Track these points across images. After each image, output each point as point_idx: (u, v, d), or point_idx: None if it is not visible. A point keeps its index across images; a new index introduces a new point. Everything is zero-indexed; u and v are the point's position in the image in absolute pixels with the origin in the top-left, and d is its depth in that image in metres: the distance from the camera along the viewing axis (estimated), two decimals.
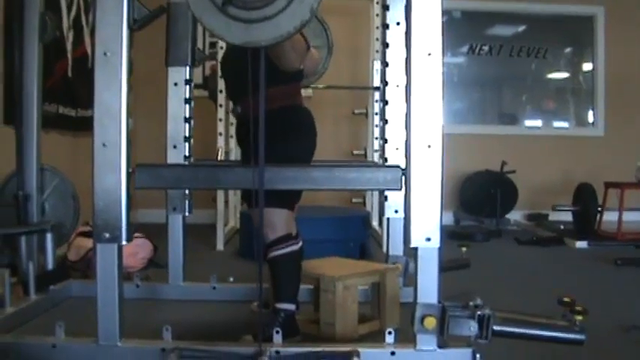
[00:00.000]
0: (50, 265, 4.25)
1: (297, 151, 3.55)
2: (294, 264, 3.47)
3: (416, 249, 2.86)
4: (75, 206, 4.64)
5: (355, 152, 7.57)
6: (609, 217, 7.36)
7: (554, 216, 8.36)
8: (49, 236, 4.20)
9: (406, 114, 2.86)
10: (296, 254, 3.45)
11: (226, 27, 2.60)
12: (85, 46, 6.47)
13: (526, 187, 8.84)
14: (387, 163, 4.20)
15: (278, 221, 3.42)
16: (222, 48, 6.26)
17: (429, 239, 2.83)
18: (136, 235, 5.23)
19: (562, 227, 7.90)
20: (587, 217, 7.38)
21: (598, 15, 9.49)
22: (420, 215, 2.82)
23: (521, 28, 9.72)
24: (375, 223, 7.32)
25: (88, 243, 4.96)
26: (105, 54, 2.83)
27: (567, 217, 7.85)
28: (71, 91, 6.17)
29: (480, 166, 8.82)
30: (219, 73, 3.99)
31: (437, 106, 2.80)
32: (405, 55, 2.93)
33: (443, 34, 2.81)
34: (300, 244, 3.60)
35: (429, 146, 2.80)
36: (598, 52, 9.56)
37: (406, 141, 2.85)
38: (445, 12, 2.87)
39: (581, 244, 7.05)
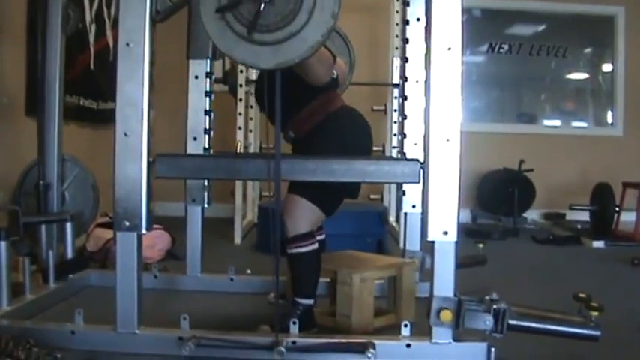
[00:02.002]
0: (69, 255, 4.28)
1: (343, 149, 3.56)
2: (314, 262, 3.46)
3: (433, 242, 2.88)
4: (95, 197, 4.67)
5: (374, 149, 7.58)
6: (627, 217, 7.34)
7: (571, 215, 8.34)
8: (68, 226, 4.24)
9: (425, 108, 2.88)
10: (315, 253, 3.44)
11: (256, 54, 2.67)
12: (107, 39, 6.51)
13: (543, 186, 8.81)
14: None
15: (304, 216, 3.42)
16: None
17: (446, 233, 2.85)
18: (155, 226, 5.26)
19: (579, 227, 7.88)
20: (604, 217, 7.36)
21: (618, 15, 9.45)
22: (437, 209, 2.84)
23: (541, 28, 9.69)
24: (392, 219, 7.33)
25: (107, 234, 4.99)
26: (128, 45, 2.86)
27: (584, 216, 7.83)
28: (92, 84, 6.21)
29: (498, 164, 8.80)
30: (255, 105, 4.00)
31: (456, 100, 2.82)
32: (424, 51, 2.95)
33: (462, 29, 2.83)
34: (323, 236, 3.62)
35: (448, 140, 2.82)
36: (618, 53, 9.52)
37: (425, 135, 2.87)
38: (465, 10, 2.89)
39: (598, 244, 7.04)
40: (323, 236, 3.78)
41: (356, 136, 3.68)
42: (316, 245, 3.45)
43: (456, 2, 2.82)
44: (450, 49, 2.82)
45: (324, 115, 3.55)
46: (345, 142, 3.58)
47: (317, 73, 3.39)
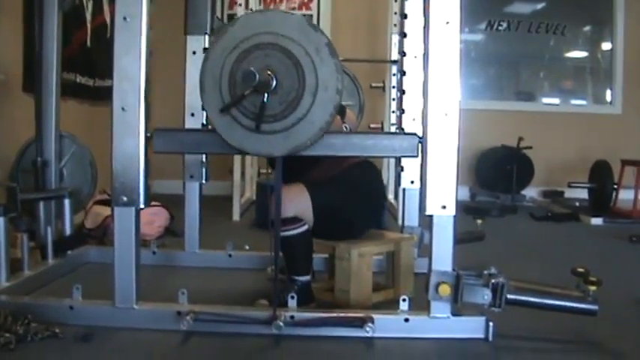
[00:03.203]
0: (68, 231, 4.28)
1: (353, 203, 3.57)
2: (304, 243, 3.44)
3: (431, 217, 2.88)
4: (92, 173, 4.67)
5: (372, 125, 7.55)
6: (625, 194, 7.34)
7: (569, 193, 8.35)
8: (66, 202, 4.23)
9: (423, 83, 2.87)
10: (305, 233, 3.42)
11: (268, 144, 2.75)
12: (104, 16, 6.48)
13: (542, 164, 8.82)
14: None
15: (295, 202, 3.39)
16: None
17: (444, 207, 2.86)
18: (153, 203, 5.26)
19: (577, 204, 7.89)
20: (602, 194, 7.37)
21: None
22: (436, 183, 2.84)
23: (540, 5, 9.66)
24: (390, 197, 7.33)
25: (105, 211, 4.99)
26: (125, 19, 2.85)
27: (583, 194, 7.85)
28: (89, 61, 6.19)
29: (497, 141, 8.80)
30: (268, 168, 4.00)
31: (454, 74, 2.82)
32: (423, 26, 2.94)
33: (461, 3, 2.82)
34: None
35: (446, 114, 2.82)
36: (617, 31, 9.49)
37: (423, 109, 2.87)
38: None
39: (596, 221, 7.04)
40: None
41: (367, 190, 3.66)
42: (304, 227, 3.42)
43: None
44: (448, 22, 2.82)
45: (337, 171, 3.54)
46: (357, 197, 3.57)
47: None
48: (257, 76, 2.59)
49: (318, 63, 2.69)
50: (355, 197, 3.54)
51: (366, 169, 3.69)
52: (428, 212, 2.87)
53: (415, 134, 2.95)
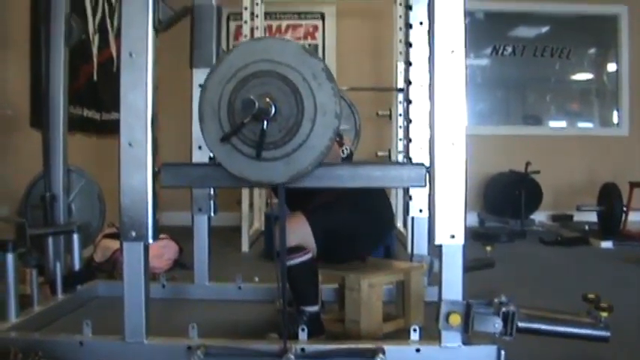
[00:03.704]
0: (77, 266, 4.27)
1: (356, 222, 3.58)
2: (308, 272, 3.44)
3: (440, 246, 2.87)
4: (101, 207, 4.67)
5: (379, 154, 7.55)
6: (634, 217, 7.33)
7: (578, 216, 8.33)
8: (75, 237, 4.23)
9: (430, 112, 2.87)
10: (308, 262, 3.42)
11: (269, 171, 2.75)
12: (110, 50, 6.52)
13: (550, 188, 8.80)
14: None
15: (297, 232, 3.40)
16: None
17: (453, 236, 2.84)
18: (162, 236, 5.26)
19: (587, 227, 7.87)
20: (612, 217, 7.35)
21: (622, 15, 9.45)
22: (444, 212, 2.83)
23: (545, 29, 9.69)
24: (399, 224, 7.32)
25: (114, 244, 5.00)
26: (130, 55, 2.86)
27: (592, 217, 7.83)
28: (96, 95, 6.22)
29: (504, 166, 8.79)
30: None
31: (460, 103, 2.81)
32: (428, 54, 2.94)
33: (466, 32, 2.82)
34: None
35: (453, 144, 2.81)
36: (622, 52, 9.51)
37: (430, 139, 2.86)
38: (468, 13, 2.89)
39: (606, 244, 7.02)
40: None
41: (369, 207, 3.66)
42: (308, 256, 3.42)
43: (459, 5, 2.81)
44: (453, 51, 2.81)
45: (341, 190, 3.55)
46: (358, 215, 3.58)
47: None
48: (256, 103, 2.59)
49: (315, 88, 2.69)
50: (356, 216, 3.56)
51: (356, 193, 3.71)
52: (437, 242, 2.86)
53: (422, 164, 2.94)
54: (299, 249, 3.38)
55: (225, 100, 2.74)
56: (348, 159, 3.71)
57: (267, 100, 2.66)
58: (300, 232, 3.41)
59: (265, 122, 2.65)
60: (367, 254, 3.76)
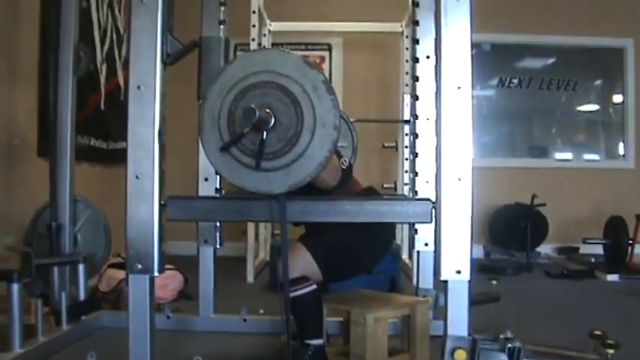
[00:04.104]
0: (82, 296, 4.28)
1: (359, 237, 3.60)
2: (313, 303, 3.44)
3: (446, 282, 2.86)
4: (106, 237, 4.68)
5: (385, 185, 7.55)
6: None
7: (584, 249, 8.31)
8: (81, 267, 4.24)
9: (436, 147, 2.87)
10: (313, 294, 3.42)
11: (268, 181, 2.76)
12: (118, 79, 6.55)
13: (556, 220, 8.78)
14: (417, 196, 4.22)
15: (299, 262, 3.41)
16: None
17: (459, 272, 2.83)
18: (167, 267, 5.25)
19: (593, 260, 7.85)
20: (618, 250, 7.33)
21: (628, 47, 9.47)
22: (450, 248, 2.82)
23: (551, 61, 9.71)
24: (405, 257, 7.30)
25: (119, 274, 5.00)
26: (138, 87, 2.86)
27: (598, 250, 7.81)
28: (103, 124, 6.24)
29: (510, 199, 8.78)
30: None
31: (467, 139, 2.81)
32: (434, 89, 2.95)
33: (472, 68, 2.83)
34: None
35: (459, 179, 2.80)
36: (628, 84, 9.52)
37: (436, 174, 2.87)
38: (475, 45, 2.90)
39: (612, 278, 7.00)
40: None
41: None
42: (313, 287, 3.42)
43: (466, 41, 2.82)
44: (460, 88, 2.82)
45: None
46: (357, 231, 3.58)
47: (325, 180, 3.41)
48: (257, 112, 2.59)
49: (315, 100, 2.70)
50: (353, 231, 3.54)
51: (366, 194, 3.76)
52: (442, 277, 2.85)
53: (429, 199, 2.95)
54: (302, 280, 3.39)
55: (225, 110, 2.74)
56: (348, 171, 3.71)
57: (267, 110, 2.66)
58: (301, 261, 3.42)
59: (265, 132, 2.65)
60: (373, 266, 3.75)
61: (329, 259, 3.50)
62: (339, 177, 3.54)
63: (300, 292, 3.37)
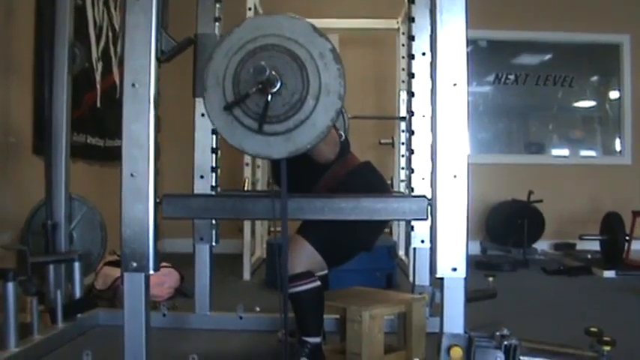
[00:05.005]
0: (78, 294, 4.27)
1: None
2: (315, 300, 3.44)
3: (442, 279, 2.86)
4: (102, 235, 4.68)
5: None
6: (637, 246, 7.32)
7: (581, 245, 8.31)
8: (76, 265, 4.23)
9: (432, 144, 2.87)
10: (316, 290, 3.42)
11: (268, 146, 2.72)
12: (114, 77, 6.54)
13: (553, 217, 8.78)
14: (413, 193, 4.21)
15: (304, 257, 3.41)
16: None
17: (455, 269, 2.83)
18: (163, 264, 5.25)
19: (589, 257, 7.86)
20: (614, 247, 7.32)
21: (624, 43, 9.47)
22: (445, 245, 2.82)
23: (547, 57, 9.71)
24: (401, 253, 7.30)
25: (115, 272, 4.99)
26: (133, 85, 2.85)
27: (595, 246, 7.80)
28: (99, 122, 6.23)
29: (507, 195, 8.78)
30: (272, 179, 4.03)
31: (462, 136, 2.81)
32: (430, 86, 2.94)
33: (468, 65, 2.83)
34: (325, 272, 3.62)
35: (455, 176, 2.80)
36: (624, 80, 9.53)
37: (432, 171, 2.86)
38: (471, 41, 2.89)
39: (609, 274, 7.00)
40: (325, 272, 3.76)
41: (375, 186, 3.68)
42: (316, 283, 3.42)
43: (461, 38, 2.81)
44: (455, 85, 2.81)
45: (335, 181, 3.57)
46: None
47: (323, 153, 3.42)
48: (267, 70, 2.57)
49: (322, 68, 2.68)
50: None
51: (365, 168, 3.76)
52: (438, 275, 2.85)
53: (424, 196, 2.94)
54: (305, 275, 3.38)
55: (231, 71, 2.72)
56: (346, 145, 3.72)
57: (274, 73, 2.65)
58: (304, 255, 3.42)
59: (269, 96, 2.64)
60: (372, 243, 3.74)
61: (330, 245, 3.50)
62: (337, 151, 3.55)
63: (302, 288, 3.37)
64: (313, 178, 3.55)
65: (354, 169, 3.66)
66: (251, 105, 2.68)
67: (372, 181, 3.73)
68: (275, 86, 2.65)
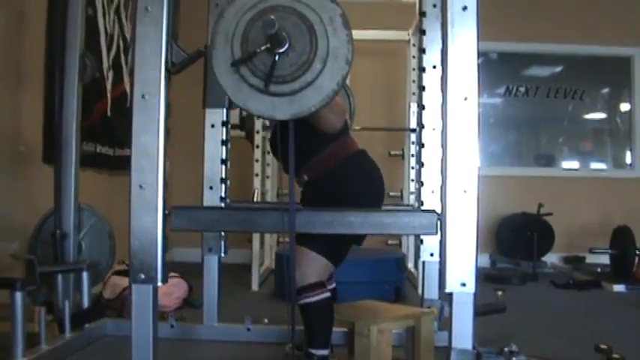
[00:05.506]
0: (86, 304, 4.27)
1: (361, 194, 3.60)
2: (325, 311, 3.44)
3: (451, 294, 2.85)
4: (111, 245, 4.68)
5: (391, 194, 7.54)
6: None
7: (591, 259, 8.28)
8: (85, 275, 4.23)
9: (442, 159, 2.86)
10: (326, 302, 3.42)
11: (272, 105, 2.70)
12: (124, 86, 6.54)
13: (563, 230, 8.74)
14: (422, 207, 4.20)
15: (312, 267, 3.42)
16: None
17: (464, 284, 2.82)
18: (172, 274, 5.25)
19: (599, 270, 7.83)
20: (624, 261, 7.29)
21: (635, 56, 9.44)
22: (455, 260, 2.81)
23: (558, 69, 9.70)
24: (410, 265, 7.29)
25: (124, 281, 4.99)
26: (143, 97, 2.85)
27: (605, 259, 7.78)
28: (109, 130, 6.24)
29: (516, 208, 8.76)
30: (272, 153, 4.03)
31: (473, 151, 2.80)
32: (441, 99, 2.93)
33: (479, 79, 2.82)
34: (333, 285, 3.62)
35: (465, 191, 2.79)
36: (635, 93, 9.50)
37: (442, 186, 2.85)
38: (481, 53, 2.88)
39: (618, 288, 6.96)
40: (333, 285, 3.76)
41: (365, 183, 3.69)
42: (327, 294, 3.43)
43: (472, 52, 2.81)
44: (466, 99, 2.80)
45: (335, 161, 3.58)
46: (354, 189, 3.60)
47: (329, 121, 3.42)
48: (276, 24, 2.57)
49: (330, 32, 2.68)
50: (345, 202, 3.52)
51: (360, 159, 3.78)
52: (447, 290, 2.84)
53: (434, 211, 2.93)
54: (316, 287, 3.38)
55: (240, 29, 2.71)
56: (346, 129, 3.74)
57: (283, 33, 2.64)
58: (310, 264, 3.43)
59: (277, 55, 2.63)
60: (363, 236, 3.72)
61: (331, 246, 3.50)
62: (343, 121, 3.56)
63: (312, 299, 3.37)
64: (311, 149, 3.55)
65: (346, 160, 3.67)
66: (258, 64, 2.66)
67: (366, 169, 3.77)
68: (283, 46, 2.64)
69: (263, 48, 2.62)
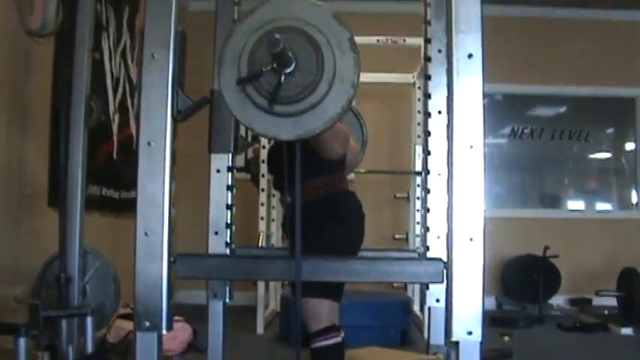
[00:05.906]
0: (90, 349, 4.24)
1: (341, 234, 3.61)
2: (337, 356, 3.44)
3: (457, 343, 2.83)
4: (116, 289, 4.66)
5: (397, 237, 7.54)
6: None
7: (597, 301, 8.25)
8: (89, 320, 4.21)
9: (448, 206, 2.85)
10: (339, 346, 3.43)
11: (276, 126, 2.68)
12: (130, 129, 6.56)
13: (569, 272, 8.71)
14: (428, 255, 4.18)
15: (322, 312, 3.42)
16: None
17: (470, 333, 2.79)
18: (176, 318, 5.22)
19: (606, 312, 7.79)
20: (632, 303, 7.26)
21: (639, 97, 9.48)
22: (461, 309, 2.79)
23: (563, 110, 9.73)
24: (416, 309, 7.25)
25: (128, 325, 4.97)
26: (149, 144, 2.85)
27: (612, 302, 7.74)
28: (115, 173, 6.24)
29: (522, 250, 8.74)
30: (268, 168, 4.04)
31: (478, 198, 2.79)
32: (446, 144, 2.93)
33: (484, 125, 2.81)
34: (342, 334, 3.61)
35: (471, 239, 2.77)
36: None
37: (447, 233, 2.84)
38: (487, 95, 2.88)
39: (626, 331, 6.94)
40: (342, 334, 3.77)
41: (358, 222, 3.74)
42: (339, 339, 3.43)
43: (478, 100, 2.80)
44: (472, 147, 2.80)
45: (324, 192, 3.59)
46: (352, 224, 3.66)
47: (332, 147, 3.45)
48: (281, 43, 2.56)
49: (338, 55, 2.67)
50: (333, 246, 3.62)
51: (347, 199, 3.87)
52: (453, 338, 2.81)
53: (440, 259, 2.91)
54: (330, 330, 3.38)
55: (248, 49, 2.70)
56: (342, 162, 3.80)
57: (290, 53, 2.64)
58: (321, 310, 3.44)
59: (283, 75, 2.63)
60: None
61: (332, 287, 3.54)
62: (346, 149, 3.57)
63: (326, 343, 3.37)
64: (305, 173, 3.54)
65: (335, 194, 3.76)
66: (264, 83, 2.65)
67: (357, 209, 3.86)
68: (289, 66, 2.64)
69: (269, 67, 2.63)
